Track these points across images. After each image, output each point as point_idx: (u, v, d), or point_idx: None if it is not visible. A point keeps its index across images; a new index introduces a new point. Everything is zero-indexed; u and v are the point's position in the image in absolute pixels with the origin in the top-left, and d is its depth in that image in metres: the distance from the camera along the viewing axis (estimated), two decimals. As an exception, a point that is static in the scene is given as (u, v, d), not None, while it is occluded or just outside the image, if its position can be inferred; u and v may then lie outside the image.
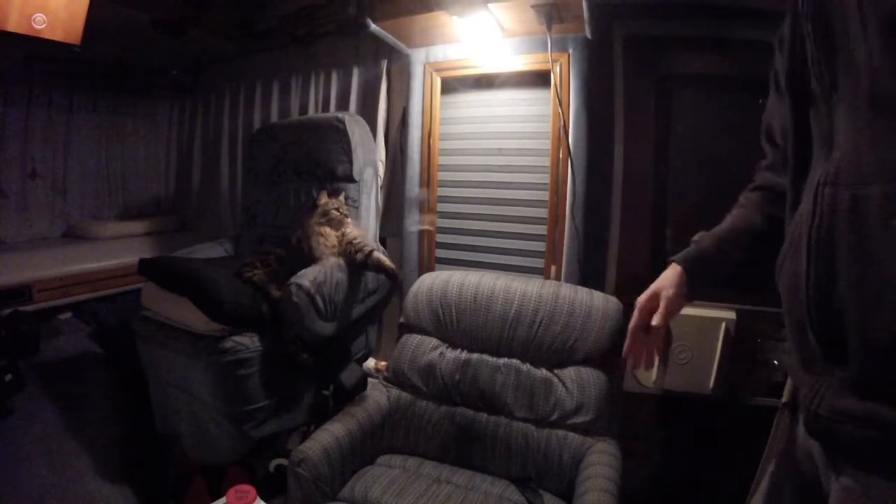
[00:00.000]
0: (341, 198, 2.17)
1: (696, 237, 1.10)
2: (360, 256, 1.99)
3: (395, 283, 2.17)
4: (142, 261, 2.08)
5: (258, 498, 1.12)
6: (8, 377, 2.04)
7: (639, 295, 1.92)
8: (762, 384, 1.89)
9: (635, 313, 1.09)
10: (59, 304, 2.56)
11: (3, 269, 2.40)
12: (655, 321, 1.04)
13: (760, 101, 1.82)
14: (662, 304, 1.04)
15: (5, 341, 2.14)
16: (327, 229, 2.04)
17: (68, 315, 2.63)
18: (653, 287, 1.08)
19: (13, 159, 2.90)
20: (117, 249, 2.88)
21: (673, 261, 1.09)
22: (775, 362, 1.86)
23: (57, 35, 2.07)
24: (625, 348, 1.10)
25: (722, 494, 1.95)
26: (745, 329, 1.88)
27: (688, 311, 1.88)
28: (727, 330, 1.87)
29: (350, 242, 2.03)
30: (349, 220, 2.12)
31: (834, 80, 0.71)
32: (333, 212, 2.08)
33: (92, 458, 1.91)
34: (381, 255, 2.02)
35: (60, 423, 2.00)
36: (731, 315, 1.88)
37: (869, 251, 0.64)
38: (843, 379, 0.69)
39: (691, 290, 1.06)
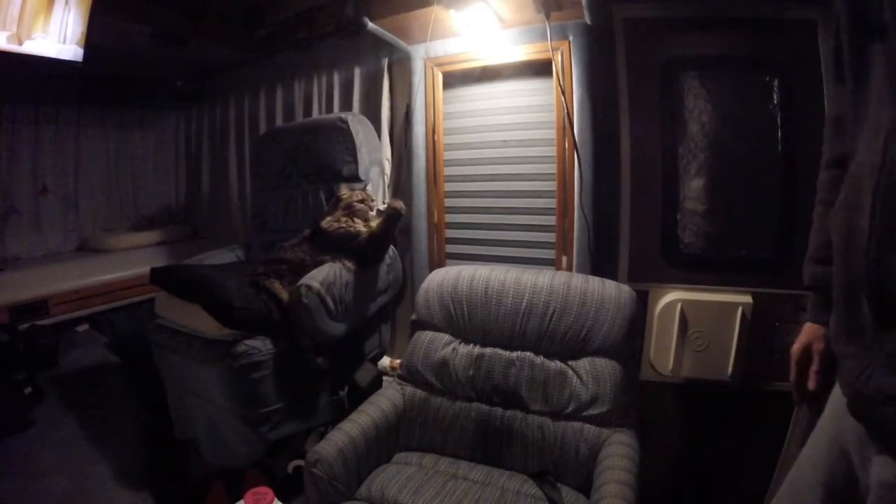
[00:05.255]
0: (368, 188, 2.22)
1: (808, 276, 1.02)
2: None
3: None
4: (153, 270, 2.10)
5: (276, 499, 1.12)
6: (28, 390, 2.08)
7: (649, 281, 1.90)
8: (782, 369, 1.85)
9: (793, 367, 1.05)
10: (75, 316, 2.58)
11: (19, 285, 2.43)
12: (811, 385, 1.00)
13: (767, 78, 1.82)
14: (816, 362, 1.00)
15: (24, 355, 2.17)
16: (355, 220, 2.09)
17: (85, 327, 2.66)
18: (803, 340, 1.04)
19: (24, 176, 2.93)
20: (130, 260, 2.91)
21: (808, 321, 1.04)
22: (794, 346, 1.82)
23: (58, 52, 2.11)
24: (795, 400, 1.08)
25: (743, 481, 1.93)
26: (763, 313, 1.85)
27: (703, 296, 1.88)
28: (744, 315, 1.84)
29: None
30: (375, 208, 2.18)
31: None
32: (357, 204, 2.10)
33: (112, 465, 1.93)
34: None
35: (80, 433, 2.02)
36: (748, 299, 1.84)
37: None
38: (891, 353, 0.64)
39: None
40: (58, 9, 2.06)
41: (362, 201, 2.13)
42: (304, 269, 1.98)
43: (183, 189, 3.77)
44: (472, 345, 1.88)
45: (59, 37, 2.09)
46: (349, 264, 2.01)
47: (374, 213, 2.17)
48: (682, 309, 1.89)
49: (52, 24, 2.06)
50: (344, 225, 2.08)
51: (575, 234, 2.04)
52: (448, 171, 2.35)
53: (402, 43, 2.32)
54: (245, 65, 3.13)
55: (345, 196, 2.15)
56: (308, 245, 2.11)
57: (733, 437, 1.97)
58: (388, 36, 2.25)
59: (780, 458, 1.87)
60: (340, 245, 2.05)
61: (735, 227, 1.90)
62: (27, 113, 2.92)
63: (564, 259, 2.11)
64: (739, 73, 1.89)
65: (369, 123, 2.44)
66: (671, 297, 1.92)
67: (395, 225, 2.11)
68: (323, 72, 2.75)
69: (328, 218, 2.12)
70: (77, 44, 2.12)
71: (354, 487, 1.64)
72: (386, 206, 2.16)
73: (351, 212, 2.11)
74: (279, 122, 2.96)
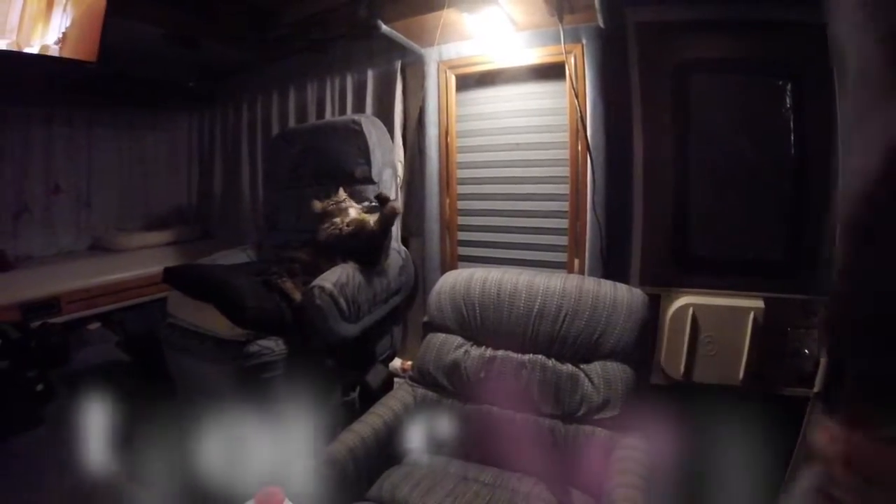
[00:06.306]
0: (340, 191, 2.23)
1: None
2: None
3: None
4: (166, 269, 2.11)
5: (286, 499, 1.12)
6: (39, 387, 2.09)
7: (661, 285, 1.89)
8: (793, 374, 1.84)
9: None
10: (87, 314, 2.59)
11: (31, 283, 2.45)
12: None
13: (780, 82, 1.81)
14: None
15: (36, 353, 2.18)
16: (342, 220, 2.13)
17: (97, 325, 2.67)
18: None
19: (37, 176, 2.95)
20: (142, 259, 2.92)
21: None
22: (806, 351, 1.81)
23: (73, 53, 2.13)
24: None
25: (753, 486, 1.92)
26: (774, 318, 1.84)
27: (715, 300, 1.87)
28: (755, 319, 1.83)
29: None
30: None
31: None
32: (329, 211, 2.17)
33: (122, 464, 1.93)
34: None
35: (91, 432, 2.03)
36: (759, 304, 1.84)
37: None
38: None
39: None
40: (56, 15, 2.08)
41: (329, 212, 2.16)
42: (318, 269, 1.99)
43: (195, 189, 3.79)
44: (483, 347, 1.87)
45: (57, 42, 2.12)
46: (355, 265, 2.02)
47: (351, 207, 2.18)
48: (693, 313, 1.89)
49: (50, 30, 2.09)
50: (333, 230, 2.10)
51: (587, 236, 2.05)
52: (461, 173, 2.36)
53: (414, 45, 2.33)
54: (258, 66, 3.15)
55: (318, 208, 2.18)
56: (314, 249, 2.13)
57: (744, 442, 1.96)
58: (401, 38, 2.26)
59: (791, 463, 1.86)
60: (336, 246, 2.07)
61: (747, 232, 1.90)
62: (40, 113, 2.93)
63: (577, 262, 2.11)
64: (752, 77, 1.88)
65: (382, 125, 2.45)
66: (683, 302, 1.91)
67: (390, 224, 2.12)
68: (336, 74, 2.76)
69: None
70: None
71: (365, 488, 1.63)
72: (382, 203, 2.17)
73: (330, 217, 2.14)
74: (292, 123, 2.97)
